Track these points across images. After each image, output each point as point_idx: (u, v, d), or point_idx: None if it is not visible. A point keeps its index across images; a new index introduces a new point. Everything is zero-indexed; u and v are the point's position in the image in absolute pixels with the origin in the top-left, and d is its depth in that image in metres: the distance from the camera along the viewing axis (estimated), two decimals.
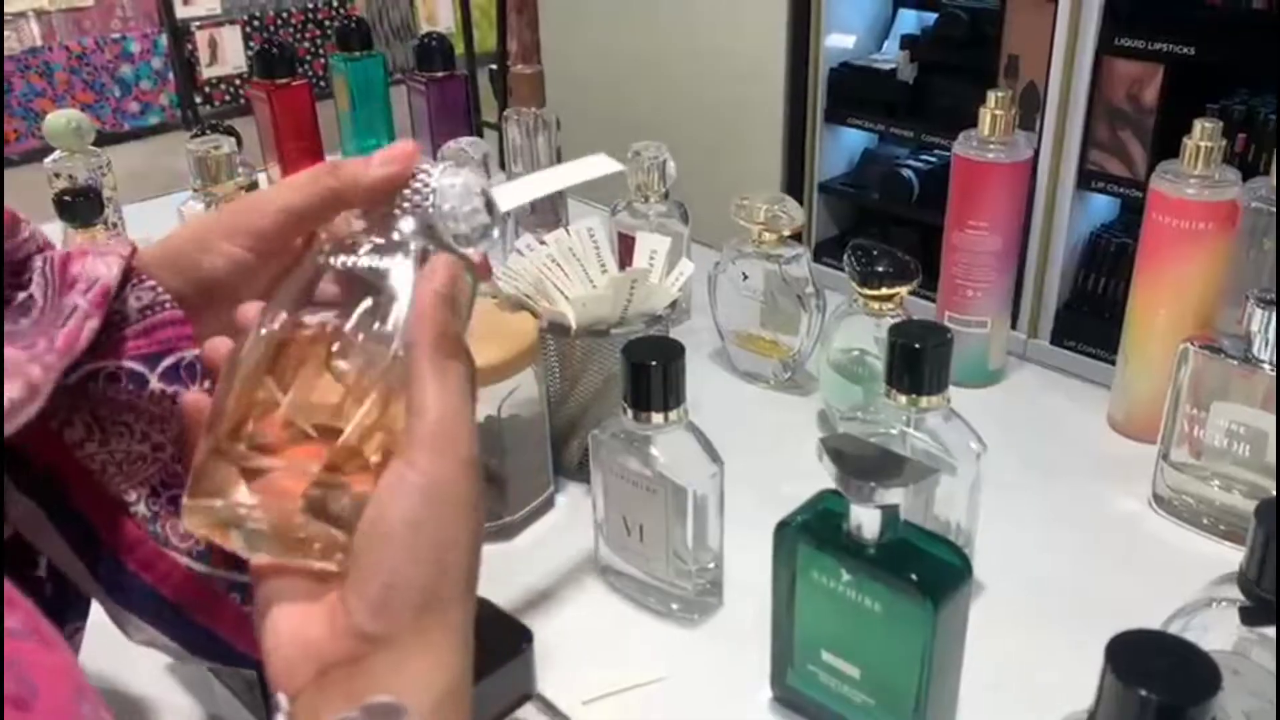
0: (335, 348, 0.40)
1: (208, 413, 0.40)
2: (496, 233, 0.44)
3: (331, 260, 0.41)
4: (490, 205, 0.43)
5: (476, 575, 0.40)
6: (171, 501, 0.45)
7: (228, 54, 4.58)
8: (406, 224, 0.42)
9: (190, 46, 4.50)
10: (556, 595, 0.74)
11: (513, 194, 0.45)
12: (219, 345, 0.44)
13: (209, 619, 0.47)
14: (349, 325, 0.40)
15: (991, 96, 0.90)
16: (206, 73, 4.56)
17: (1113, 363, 0.92)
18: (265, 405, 0.39)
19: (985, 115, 0.90)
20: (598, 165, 0.48)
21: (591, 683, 0.65)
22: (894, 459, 0.59)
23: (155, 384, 0.45)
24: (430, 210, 0.42)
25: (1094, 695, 0.40)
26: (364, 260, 0.41)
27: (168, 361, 0.45)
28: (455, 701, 0.38)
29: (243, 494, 0.39)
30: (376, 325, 0.40)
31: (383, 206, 0.43)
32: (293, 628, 0.38)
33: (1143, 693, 0.37)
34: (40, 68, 4.18)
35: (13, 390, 0.38)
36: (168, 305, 0.45)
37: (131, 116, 4.44)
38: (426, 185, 0.42)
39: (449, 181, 0.42)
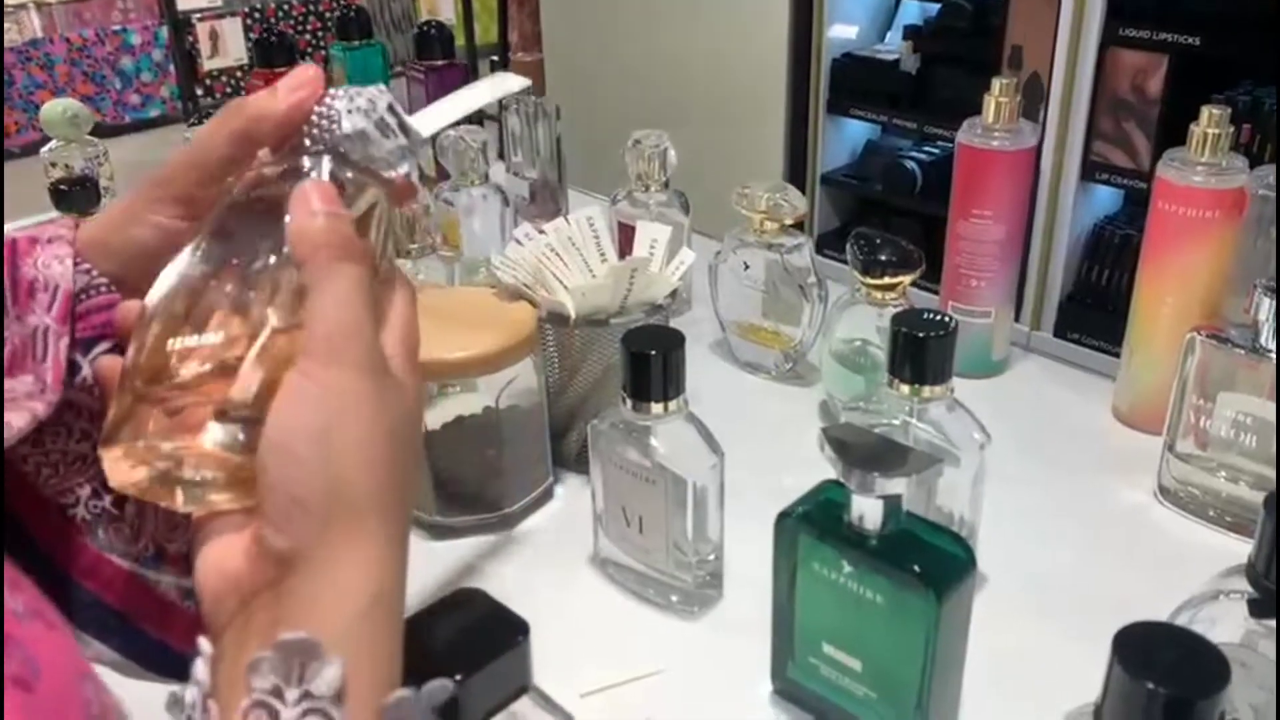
0: (244, 279, 0.39)
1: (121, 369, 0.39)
2: (416, 155, 0.43)
3: (240, 197, 0.41)
4: (405, 128, 0.43)
5: (400, 481, 0.38)
6: (115, 504, 0.43)
7: (229, 46, 4.57)
8: (313, 151, 0.41)
9: (191, 39, 4.48)
10: (554, 587, 0.74)
11: (430, 120, 0.45)
12: (132, 308, 0.42)
13: (160, 629, 0.45)
14: (256, 255, 0.39)
15: (996, 84, 0.89)
16: (207, 65, 4.54)
17: (1116, 356, 0.92)
18: (182, 350, 0.38)
19: (990, 103, 0.89)
20: (505, 83, 0.51)
21: (589, 676, 0.65)
22: (897, 449, 0.58)
23: (87, 370, 0.43)
24: (337, 134, 0.41)
25: (1101, 688, 0.39)
26: (271, 191, 0.40)
27: (101, 347, 0.43)
28: (384, 610, 0.37)
29: (161, 430, 0.37)
30: (286, 249, 0.39)
31: (293, 139, 0.42)
32: (216, 560, 0.37)
33: (1150, 685, 0.37)
34: (41, 60, 4.17)
35: (20, 420, 0.38)
36: (103, 289, 0.44)
37: (132, 109, 4.43)
38: (331, 108, 0.42)
39: (353, 105, 0.42)
